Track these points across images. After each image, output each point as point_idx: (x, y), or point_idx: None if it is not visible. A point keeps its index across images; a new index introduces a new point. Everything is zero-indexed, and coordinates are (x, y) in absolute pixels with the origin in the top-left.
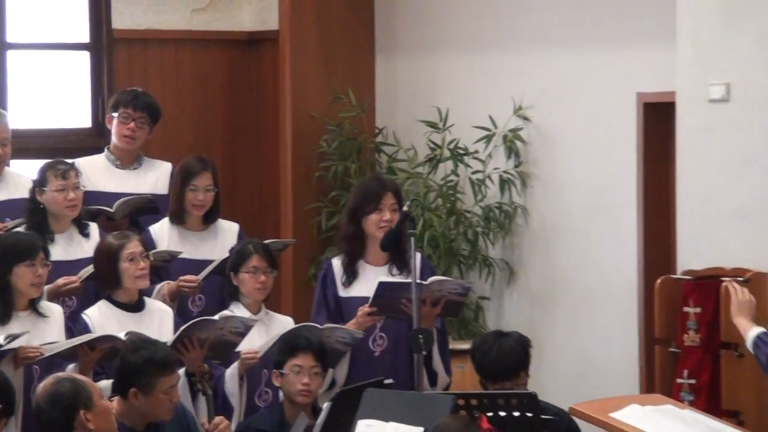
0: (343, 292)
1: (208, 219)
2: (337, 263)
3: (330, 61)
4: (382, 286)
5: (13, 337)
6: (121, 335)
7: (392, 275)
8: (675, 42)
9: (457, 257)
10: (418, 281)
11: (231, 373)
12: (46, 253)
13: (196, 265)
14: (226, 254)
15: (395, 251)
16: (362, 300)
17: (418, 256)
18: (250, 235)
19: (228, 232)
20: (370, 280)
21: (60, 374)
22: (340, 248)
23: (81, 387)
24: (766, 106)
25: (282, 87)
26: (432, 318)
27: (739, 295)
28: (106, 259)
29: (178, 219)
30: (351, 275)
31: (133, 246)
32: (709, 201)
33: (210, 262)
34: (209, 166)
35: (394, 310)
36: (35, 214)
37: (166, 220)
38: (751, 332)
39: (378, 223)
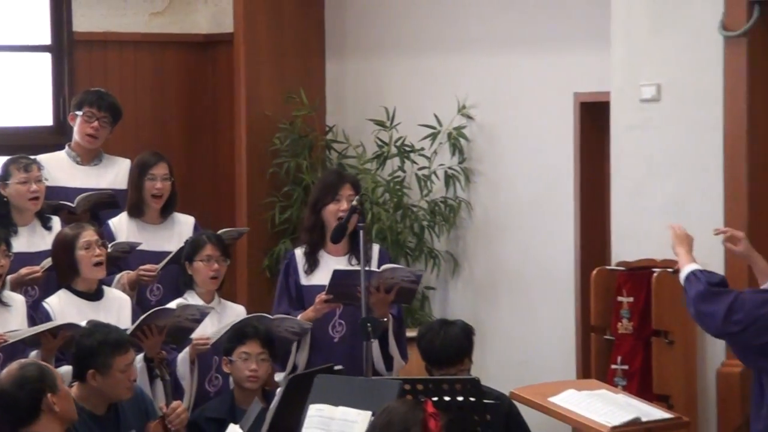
0: (304, 281)
1: (166, 211)
2: (299, 253)
3: (282, 62)
4: (337, 275)
5: None
6: (83, 323)
7: (351, 265)
8: (609, 45)
9: (404, 249)
10: (372, 269)
11: (182, 357)
12: (8, 246)
13: (154, 256)
14: (183, 245)
15: (355, 242)
16: (322, 288)
17: (377, 247)
18: (207, 228)
19: (184, 224)
20: (330, 269)
21: (24, 360)
22: (302, 239)
23: (46, 371)
24: (694, 105)
25: (237, 87)
26: (385, 304)
27: (677, 230)
28: (62, 249)
29: (137, 212)
30: (312, 264)
31: (89, 235)
32: (641, 196)
33: (167, 253)
34: (164, 158)
35: (349, 297)
36: None
37: (124, 214)
38: (688, 266)
39: (336, 213)
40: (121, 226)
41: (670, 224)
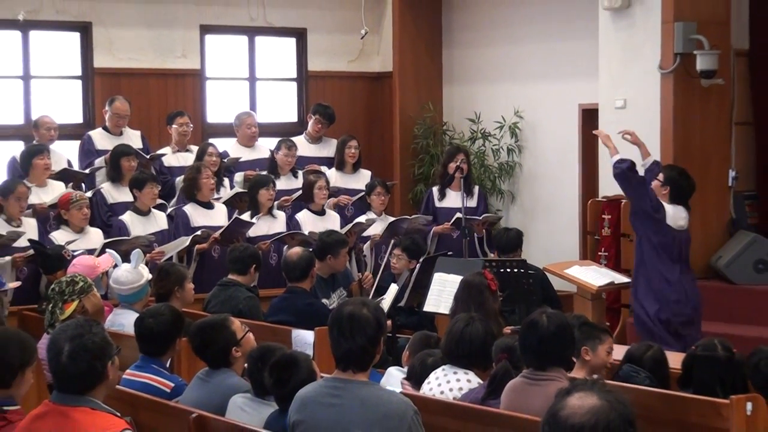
0: (438, 204)
1: (356, 167)
2: (434, 188)
3: (419, 86)
4: (458, 218)
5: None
6: (306, 233)
7: (464, 197)
8: (598, 75)
9: (485, 189)
10: (474, 217)
11: (366, 246)
12: (274, 184)
13: (349, 192)
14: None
15: (467, 185)
16: (447, 209)
17: (477, 188)
18: (378, 177)
19: (365, 174)
20: (451, 198)
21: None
22: (438, 181)
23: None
24: (644, 111)
25: (394, 101)
26: (481, 228)
27: (601, 132)
28: (307, 186)
29: (341, 167)
30: (442, 195)
31: (321, 182)
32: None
33: (358, 190)
34: (355, 138)
35: (458, 226)
36: (272, 163)
37: (333, 170)
38: (616, 155)
39: (453, 168)
40: (330, 176)
41: (594, 131)
